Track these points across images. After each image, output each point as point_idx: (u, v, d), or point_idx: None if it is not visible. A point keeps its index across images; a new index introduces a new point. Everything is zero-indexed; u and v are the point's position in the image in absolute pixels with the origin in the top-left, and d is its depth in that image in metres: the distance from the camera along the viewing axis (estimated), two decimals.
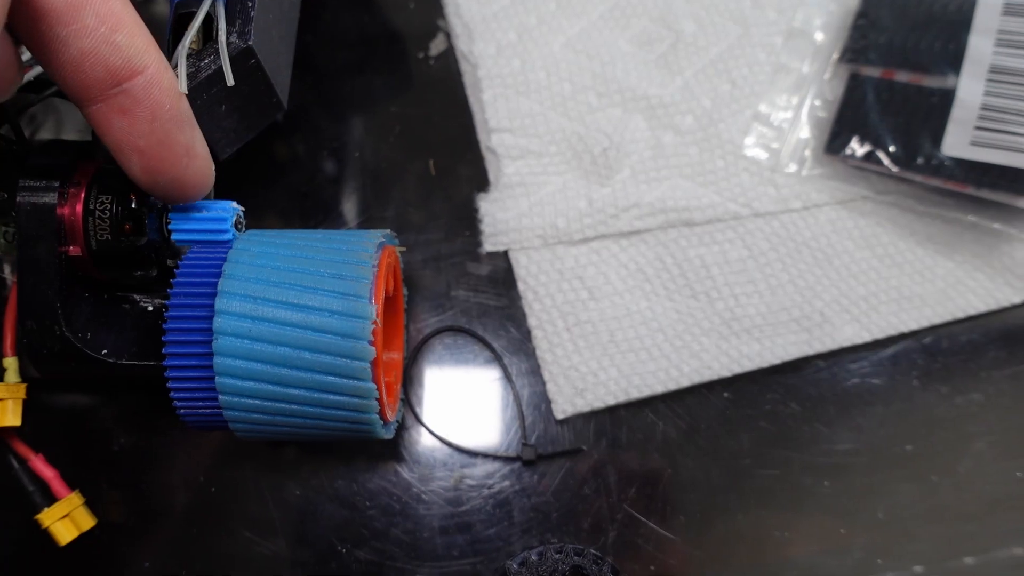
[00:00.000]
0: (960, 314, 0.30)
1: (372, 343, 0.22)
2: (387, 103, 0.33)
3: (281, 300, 0.22)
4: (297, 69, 0.29)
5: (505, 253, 0.31)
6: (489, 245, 0.30)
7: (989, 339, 0.30)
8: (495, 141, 0.32)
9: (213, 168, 0.23)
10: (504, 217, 0.30)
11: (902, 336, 0.30)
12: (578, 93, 0.32)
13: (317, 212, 0.31)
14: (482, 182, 0.32)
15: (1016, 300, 0.30)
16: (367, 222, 0.31)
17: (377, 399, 0.23)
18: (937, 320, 0.30)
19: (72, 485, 0.27)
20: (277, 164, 0.32)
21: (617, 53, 0.33)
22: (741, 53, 0.33)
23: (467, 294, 0.30)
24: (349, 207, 0.32)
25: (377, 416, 0.23)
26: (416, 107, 0.33)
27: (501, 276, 0.31)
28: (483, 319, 0.30)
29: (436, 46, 0.34)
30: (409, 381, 0.29)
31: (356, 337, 0.22)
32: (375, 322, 0.22)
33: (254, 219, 0.31)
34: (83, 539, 0.26)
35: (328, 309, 0.22)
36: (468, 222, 0.31)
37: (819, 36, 0.34)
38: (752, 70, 0.33)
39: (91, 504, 0.27)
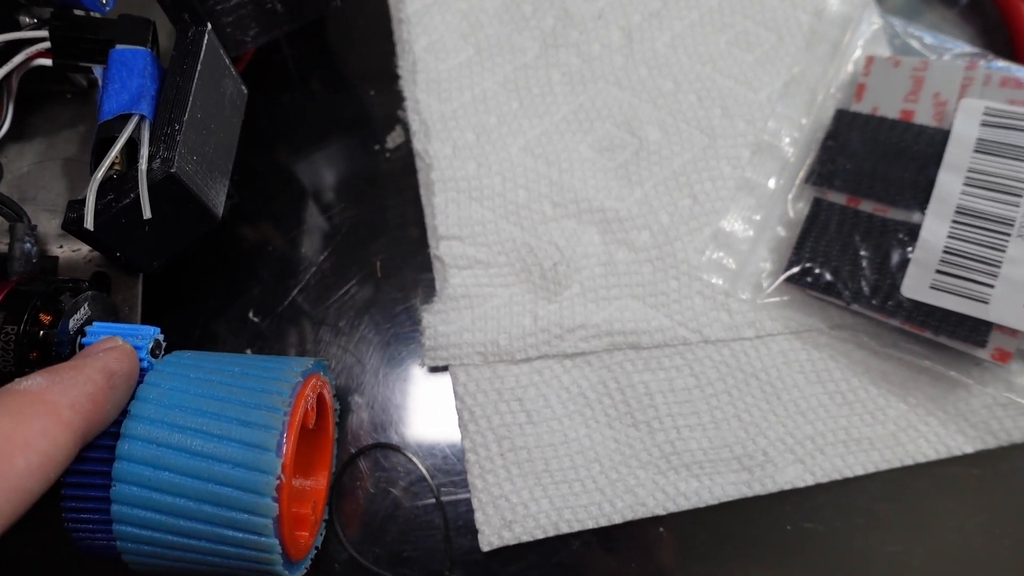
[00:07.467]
0: (909, 461, 0.29)
1: (276, 499, 0.21)
2: (338, 198, 0.33)
3: (184, 447, 0.21)
4: (249, 154, 0.29)
5: (446, 368, 0.30)
6: (429, 360, 0.30)
7: (937, 489, 0.29)
8: (443, 249, 0.31)
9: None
10: (446, 331, 0.30)
11: (846, 480, 0.29)
12: (533, 201, 0.32)
13: (258, 312, 0.31)
14: (428, 287, 0.31)
15: (968, 450, 0.29)
16: (307, 325, 0.30)
17: (281, 553, 0.22)
18: (884, 466, 0.28)
19: None
20: (219, 258, 0.32)
21: (577, 159, 0.32)
22: (705, 165, 0.32)
23: (405, 407, 0.30)
24: (290, 308, 0.31)
25: (281, 568, 0.22)
26: (368, 203, 0.32)
27: (441, 391, 0.30)
28: (419, 435, 0.29)
29: (393, 139, 0.33)
30: (337, 496, 0.28)
31: (258, 493, 0.21)
32: (279, 477, 0.21)
33: (185, 323, 0.30)
34: None
35: (232, 460, 0.21)
36: (412, 330, 0.31)
37: (788, 151, 0.33)
38: (715, 184, 0.32)
39: None
